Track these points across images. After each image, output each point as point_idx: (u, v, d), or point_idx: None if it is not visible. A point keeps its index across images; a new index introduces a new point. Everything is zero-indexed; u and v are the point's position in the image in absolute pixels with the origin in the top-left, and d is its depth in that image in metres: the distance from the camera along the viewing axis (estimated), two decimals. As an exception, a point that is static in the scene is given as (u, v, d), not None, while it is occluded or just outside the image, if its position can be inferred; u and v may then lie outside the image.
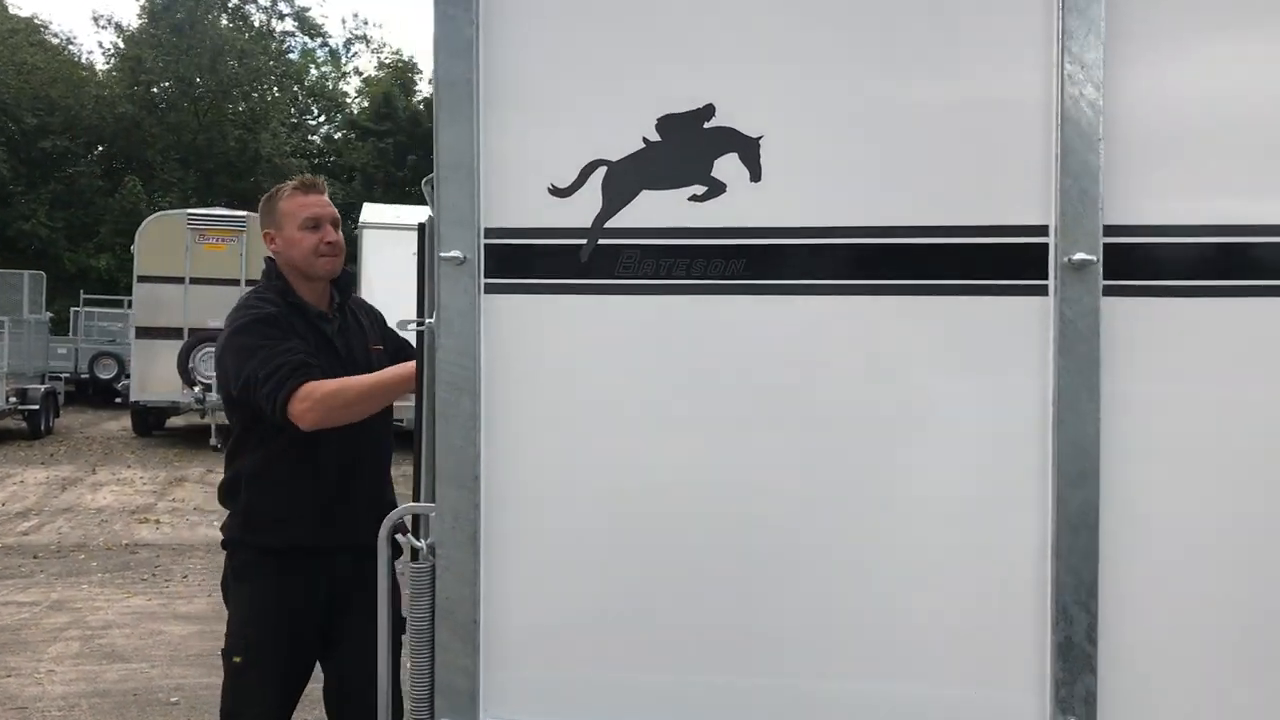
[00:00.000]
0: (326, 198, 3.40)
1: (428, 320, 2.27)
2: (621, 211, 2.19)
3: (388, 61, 41.70)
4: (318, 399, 3.08)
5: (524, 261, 2.22)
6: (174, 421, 19.73)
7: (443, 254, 2.20)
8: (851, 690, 2.17)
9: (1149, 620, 2.10)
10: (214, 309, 15.64)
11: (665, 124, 2.19)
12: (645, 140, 2.19)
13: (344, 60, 44.99)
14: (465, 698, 2.22)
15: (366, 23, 66.58)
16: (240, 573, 3.35)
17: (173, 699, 5.88)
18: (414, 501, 2.33)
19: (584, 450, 2.21)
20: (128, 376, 19.28)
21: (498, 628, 2.22)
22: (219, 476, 3.49)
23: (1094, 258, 2.07)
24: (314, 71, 43.21)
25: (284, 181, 3.47)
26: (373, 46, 57.20)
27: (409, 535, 2.30)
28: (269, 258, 3.44)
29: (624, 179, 2.20)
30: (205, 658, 6.43)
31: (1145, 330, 2.09)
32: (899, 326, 2.14)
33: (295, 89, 41.24)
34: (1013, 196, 2.11)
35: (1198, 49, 2.10)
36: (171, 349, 16.95)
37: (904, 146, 2.14)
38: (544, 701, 2.23)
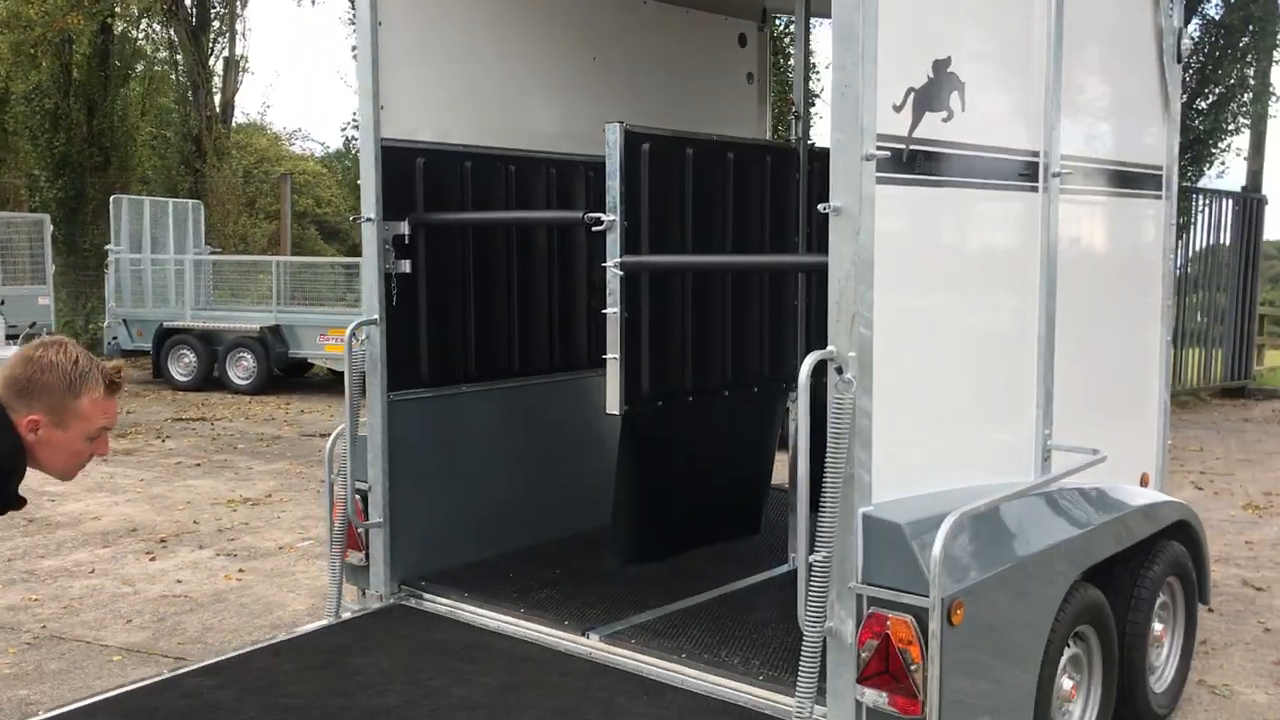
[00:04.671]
0: None
1: (833, 204, 2.87)
2: (920, 125, 3.10)
3: None
4: None
5: (888, 161, 2.98)
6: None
7: (866, 152, 2.85)
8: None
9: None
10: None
11: (935, 65, 3.14)
12: (928, 76, 3.12)
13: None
14: (866, 487, 2.97)
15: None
16: None
17: None
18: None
19: (929, 304, 3.13)
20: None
21: (880, 430, 3.00)
22: None
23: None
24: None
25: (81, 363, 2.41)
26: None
27: (842, 373, 2.88)
28: None
29: (921, 100, 3.09)
30: None
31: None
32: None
33: None
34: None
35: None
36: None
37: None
38: (911, 482, 3.10)
